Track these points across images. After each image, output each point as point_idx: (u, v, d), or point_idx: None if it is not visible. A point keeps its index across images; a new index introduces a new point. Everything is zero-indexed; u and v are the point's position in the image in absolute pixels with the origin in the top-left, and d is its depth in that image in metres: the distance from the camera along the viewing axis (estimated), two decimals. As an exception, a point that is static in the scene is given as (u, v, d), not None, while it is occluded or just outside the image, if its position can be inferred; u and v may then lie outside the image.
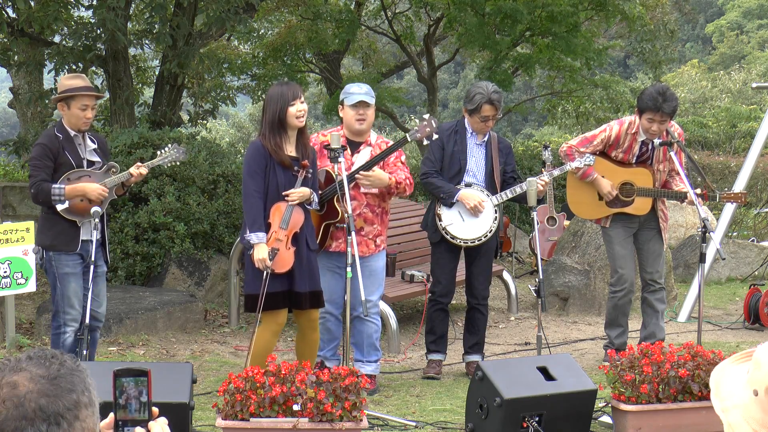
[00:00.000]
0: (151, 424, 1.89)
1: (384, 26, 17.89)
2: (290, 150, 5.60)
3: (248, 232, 5.49)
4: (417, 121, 6.35)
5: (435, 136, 6.08)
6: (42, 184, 5.51)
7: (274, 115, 5.53)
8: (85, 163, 5.69)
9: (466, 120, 6.54)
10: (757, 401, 1.81)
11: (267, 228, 5.51)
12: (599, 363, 6.60)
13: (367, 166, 6.03)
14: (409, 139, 5.97)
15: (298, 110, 5.53)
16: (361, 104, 6.08)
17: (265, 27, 17.76)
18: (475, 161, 6.53)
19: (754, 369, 1.83)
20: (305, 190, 5.58)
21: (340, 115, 6.23)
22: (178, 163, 6.24)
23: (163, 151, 6.08)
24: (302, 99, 5.59)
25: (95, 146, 5.79)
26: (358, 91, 6.13)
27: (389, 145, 6.20)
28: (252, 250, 5.47)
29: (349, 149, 6.12)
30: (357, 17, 16.00)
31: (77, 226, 5.63)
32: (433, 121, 6.01)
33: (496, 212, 6.47)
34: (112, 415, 1.89)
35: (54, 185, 5.52)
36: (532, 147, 16.39)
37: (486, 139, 6.56)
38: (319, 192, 5.94)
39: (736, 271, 10.96)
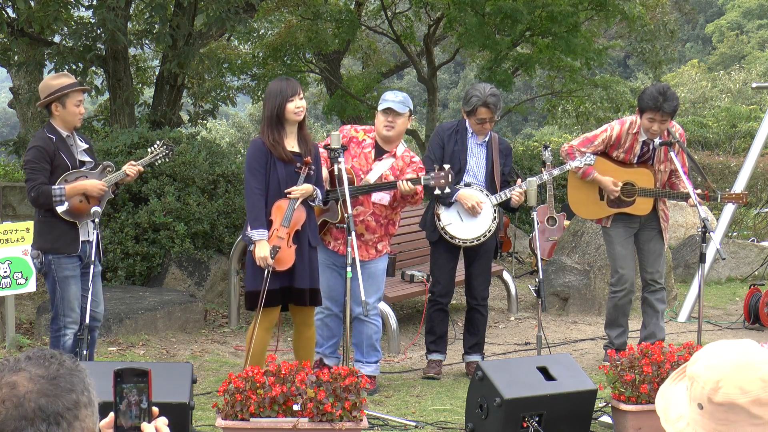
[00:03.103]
0: (143, 425, 1.88)
1: (384, 26, 17.89)
2: (291, 145, 5.60)
3: (249, 229, 5.49)
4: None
5: (447, 190, 6.00)
6: (42, 186, 5.48)
7: (272, 110, 5.54)
8: (78, 163, 5.67)
9: (466, 120, 6.54)
10: (704, 413, 1.85)
11: (269, 225, 5.51)
12: (599, 363, 6.60)
13: (375, 189, 6.02)
14: (422, 183, 5.96)
15: (296, 106, 5.52)
16: (390, 112, 6.07)
17: (265, 27, 17.76)
18: (476, 161, 6.52)
19: (691, 385, 1.88)
20: (308, 187, 5.58)
21: (376, 121, 6.22)
22: (167, 161, 6.21)
23: (153, 148, 6.08)
24: (301, 96, 5.58)
25: (86, 146, 5.78)
26: (391, 99, 6.12)
27: (412, 159, 6.22)
28: (253, 247, 5.47)
29: (374, 153, 6.13)
30: (357, 17, 16.00)
31: (77, 228, 5.61)
32: (449, 175, 5.93)
33: (495, 212, 6.46)
34: (112, 414, 1.89)
35: (54, 186, 5.49)
36: (532, 147, 16.39)
37: (487, 139, 6.55)
38: (327, 189, 5.94)
39: (736, 271, 10.96)
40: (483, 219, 6.43)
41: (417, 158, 6.32)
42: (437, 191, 5.99)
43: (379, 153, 6.17)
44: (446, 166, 5.98)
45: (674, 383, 2.01)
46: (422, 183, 5.95)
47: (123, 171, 5.77)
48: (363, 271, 6.02)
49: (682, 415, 1.92)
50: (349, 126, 6.33)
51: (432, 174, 5.95)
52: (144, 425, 1.88)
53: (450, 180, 5.94)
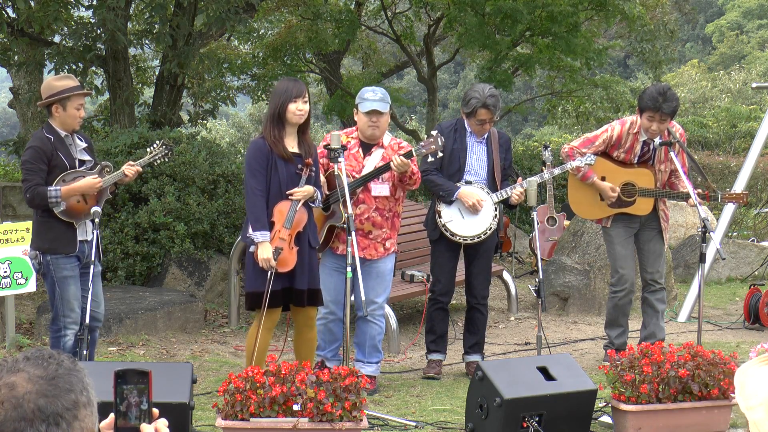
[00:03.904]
0: (143, 426, 1.88)
1: (384, 26, 17.90)
2: (292, 146, 5.60)
3: (251, 230, 5.49)
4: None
5: (440, 154, 6.08)
6: (37, 188, 5.47)
7: (275, 108, 5.55)
8: (77, 163, 5.66)
9: (465, 120, 6.54)
10: None
11: (270, 226, 5.50)
12: (599, 363, 6.60)
13: (372, 176, 6.03)
14: (414, 154, 5.98)
15: (298, 108, 5.52)
16: (374, 112, 6.07)
17: (265, 27, 17.77)
18: (477, 158, 6.52)
19: None
20: (309, 189, 5.58)
21: (355, 118, 6.21)
22: (166, 160, 6.21)
23: (152, 148, 6.08)
24: (305, 99, 5.57)
25: (85, 145, 5.77)
26: (371, 98, 6.07)
27: (400, 145, 6.23)
28: (255, 249, 5.46)
29: (361, 151, 6.14)
30: (357, 17, 16.00)
31: (74, 228, 5.60)
32: (439, 139, 6.00)
33: (495, 210, 6.47)
34: (112, 415, 1.89)
35: (50, 188, 5.48)
36: (532, 147, 16.39)
37: (486, 135, 6.56)
38: (326, 193, 5.94)
39: (736, 271, 10.96)
40: (484, 217, 6.43)
41: (405, 143, 6.34)
42: (430, 158, 6.03)
43: (367, 148, 6.17)
44: (434, 132, 6.06)
45: (761, 364, 2.00)
46: (414, 154, 5.98)
47: (121, 171, 5.76)
48: (371, 270, 6.05)
49: (757, 393, 1.92)
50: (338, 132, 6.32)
51: (422, 143, 6.02)
52: (144, 426, 1.88)
53: (441, 143, 6.00)
